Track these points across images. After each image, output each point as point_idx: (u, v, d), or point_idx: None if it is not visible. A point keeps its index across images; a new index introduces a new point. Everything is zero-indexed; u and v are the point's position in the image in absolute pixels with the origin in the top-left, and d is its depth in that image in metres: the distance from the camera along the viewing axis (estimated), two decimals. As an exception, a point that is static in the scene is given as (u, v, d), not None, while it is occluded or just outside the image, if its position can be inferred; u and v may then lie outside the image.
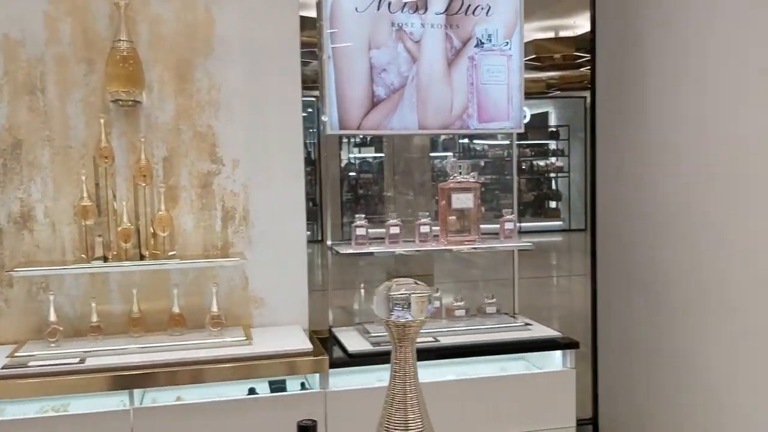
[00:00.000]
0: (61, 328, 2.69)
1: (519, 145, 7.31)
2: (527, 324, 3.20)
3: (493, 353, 3.03)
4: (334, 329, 3.17)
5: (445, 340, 2.96)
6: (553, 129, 13.78)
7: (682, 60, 3.07)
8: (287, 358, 2.70)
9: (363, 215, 3.15)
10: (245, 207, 3.03)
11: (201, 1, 2.94)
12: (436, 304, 3.17)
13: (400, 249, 3.12)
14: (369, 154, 11.85)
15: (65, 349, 2.66)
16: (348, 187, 11.46)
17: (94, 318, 2.75)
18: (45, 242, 2.85)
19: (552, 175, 13.79)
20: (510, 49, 3.20)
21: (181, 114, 2.94)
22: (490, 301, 3.28)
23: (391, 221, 3.12)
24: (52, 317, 2.69)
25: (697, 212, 3.00)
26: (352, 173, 11.76)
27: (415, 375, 1.17)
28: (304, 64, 3.11)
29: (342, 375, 2.80)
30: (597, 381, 3.86)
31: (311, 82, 3.36)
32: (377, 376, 2.83)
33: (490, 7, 3.15)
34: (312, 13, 3.18)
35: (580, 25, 8.32)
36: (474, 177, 3.18)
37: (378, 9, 3.03)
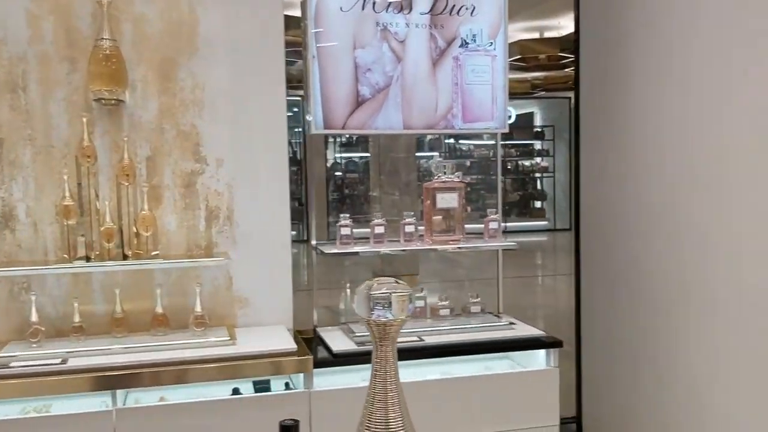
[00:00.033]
0: (43, 329, 2.68)
1: (504, 145, 7.34)
2: (511, 323, 3.22)
3: (477, 352, 3.05)
4: (318, 329, 3.17)
5: (430, 340, 2.97)
6: (538, 129, 13.81)
7: (666, 60, 3.09)
8: (271, 358, 2.69)
9: (348, 215, 3.15)
10: (229, 206, 3.02)
11: (185, 0, 2.93)
12: (419, 303, 3.18)
13: (384, 249, 3.12)
14: (355, 153, 11.82)
15: (47, 349, 2.64)
16: (334, 187, 11.43)
17: (77, 318, 2.73)
18: (27, 242, 2.83)
19: (537, 175, 13.81)
20: (494, 49, 3.21)
21: (164, 113, 2.93)
22: (475, 300, 3.30)
23: (376, 221, 3.12)
24: (34, 317, 2.67)
25: (680, 212, 3.02)
26: (338, 173, 11.72)
27: (396, 374, 1.17)
28: (288, 63, 3.10)
29: (326, 375, 2.80)
30: (581, 379, 3.88)
31: (296, 81, 3.36)
32: (362, 376, 2.82)
33: (474, 8, 3.16)
34: (297, 13, 3.18)
35: (564, 25, 8.35)
36: (459, 177, 3.19)
37: (363, 9, 3.03)
